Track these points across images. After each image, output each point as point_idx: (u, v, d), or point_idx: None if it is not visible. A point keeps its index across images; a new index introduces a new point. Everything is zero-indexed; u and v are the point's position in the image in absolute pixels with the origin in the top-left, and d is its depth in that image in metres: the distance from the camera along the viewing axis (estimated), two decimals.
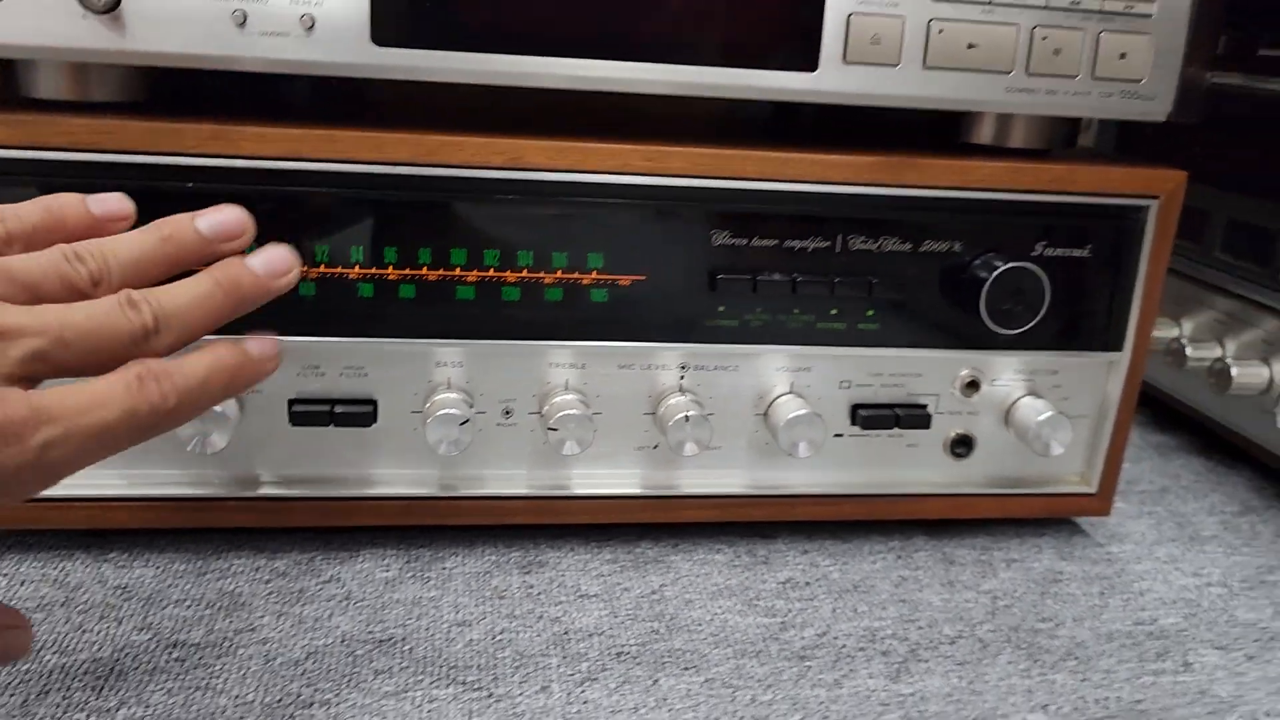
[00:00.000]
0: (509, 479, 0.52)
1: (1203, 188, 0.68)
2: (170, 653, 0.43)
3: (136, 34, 0.43)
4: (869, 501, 0.55)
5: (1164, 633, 0.50)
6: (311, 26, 0.44)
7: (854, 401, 0.54)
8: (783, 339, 0.51)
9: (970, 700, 0.44)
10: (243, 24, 0.43)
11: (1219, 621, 0.51)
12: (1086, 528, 0.60)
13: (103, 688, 0.41)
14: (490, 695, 0.42)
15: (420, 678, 0.43)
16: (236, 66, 0.44)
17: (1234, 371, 0.63)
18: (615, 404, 0.52)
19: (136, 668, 0.42)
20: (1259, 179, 0.66)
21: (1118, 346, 0.54)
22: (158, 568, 0.49)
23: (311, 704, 0.41)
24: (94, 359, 0.32)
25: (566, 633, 0.46)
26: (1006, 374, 0.55)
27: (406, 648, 0.45)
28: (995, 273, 0.50)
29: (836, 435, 0.54)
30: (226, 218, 0.37)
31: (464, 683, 0.43)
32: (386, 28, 0.44)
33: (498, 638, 0.46)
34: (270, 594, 0.48)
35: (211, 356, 0.35)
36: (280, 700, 0.41)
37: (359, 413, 0.49)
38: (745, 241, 0.50)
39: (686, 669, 0.45)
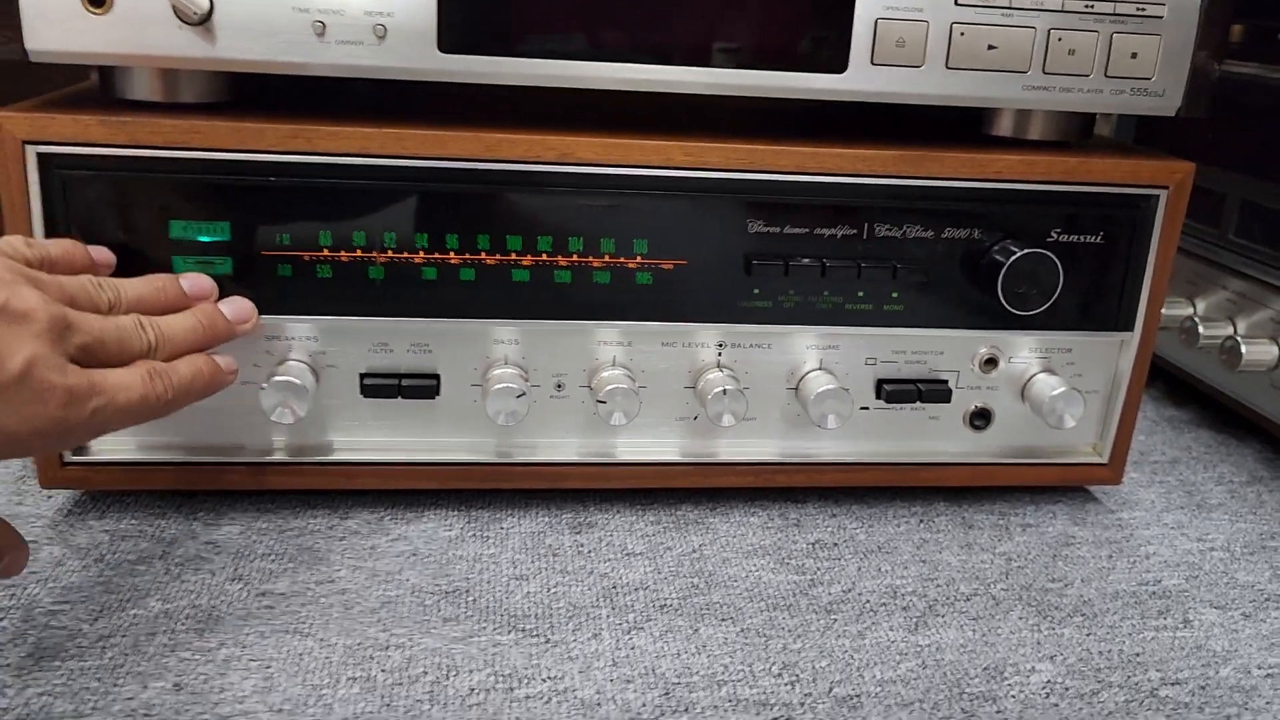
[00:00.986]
0: (561, 447, 0.57)
1: (1218, 172, 0.71)
2: (260, 600, 0.48)
3: (226, 43, 0.48)
4: (893, 469, 0.59)
5: (1166, 593, 0.54)
6: (383, 35, 0.48)
7: (879, 377, 0.58)
8: (813, 319, 0.55)
9: (983, 651, 0.48)
10: (322, 33, 0.48)
11: (1219, 583, 0.55)
12: (1099, 495, 0.64)
13: (203, 630, 0.46)
14: (547, 641, 0.47)
15: (484, 625, 0.48)
16: (314, 71, 0.49)
17: (1244, 349, 0.66)
18: (658, 378, 0.56)
19: (231, 613, 0.47)
20: (1273, 164, 0.69)
21: (1129, 326, 0.58)
22: (242, 525, 0.54)
23: (388, 647, 0.46)
24: (115, 360, 0.43)
25: (615, 587, 0.51)
26: (1023, 352, 0.58)
27: (470, 599, 0.49)
28: (1011, 258, 0.54)
29: (863, 408, 0.58)
30: (202, 283, 0.50)
31: (523, 630, 0.47)
32: (453, 36, 0.48)
33: (552, 590, 0.50)
34: (345, 550, 0.53)
35: (193, 367, 0.47)
36: (360, 644, 0.46)
37: (424, 386, 0.54)
38: (778, 229, 0.54)
39: (724, 620, 0.49)
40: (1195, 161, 0.56)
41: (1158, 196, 0.56)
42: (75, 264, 0.47)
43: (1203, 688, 0.47)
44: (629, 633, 0.48)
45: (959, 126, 0.58)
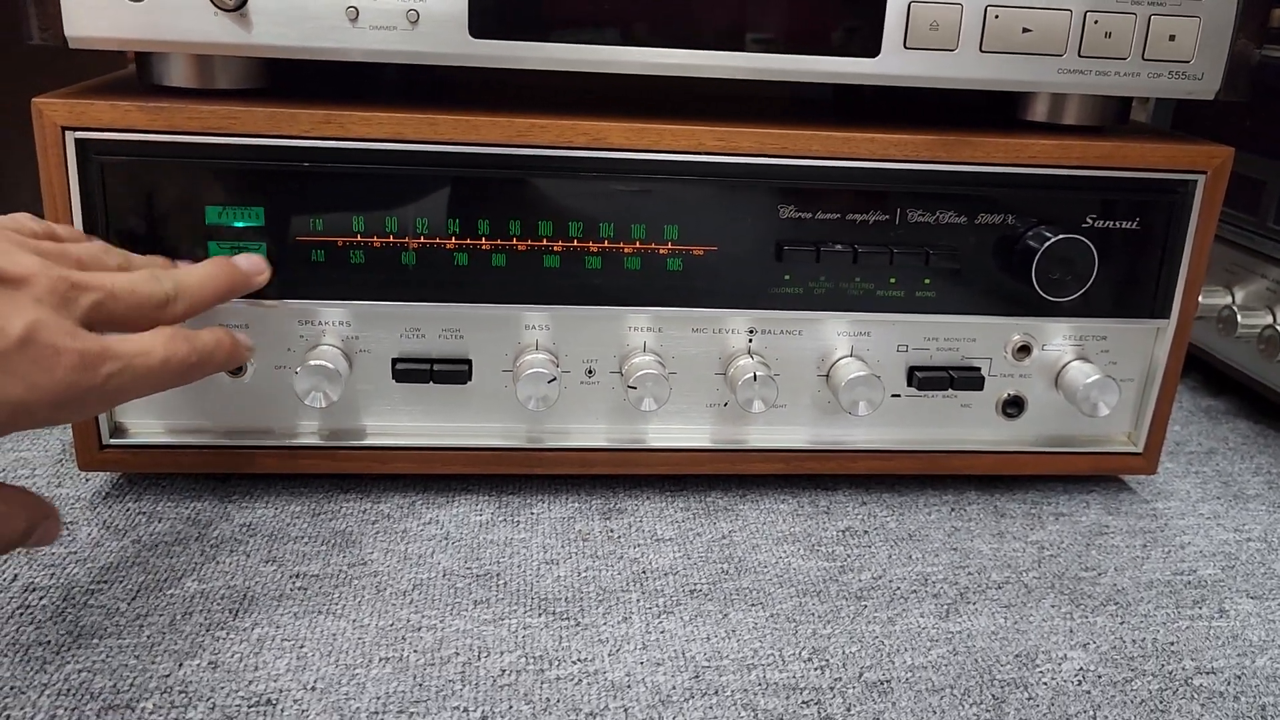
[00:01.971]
0: (591, 433, 0.57)
1: (1259, 159, 0.70)
2: (294, 582, 0.49)
3: (261, 29, 0.48)
4: (924, 457, 0.59)
5: (1202, 582, 0.53)
6: (416, 20, 0.48)
7: (911, 364, 0.57)
8: (844, 306, 0.55)
9: (1014, 638, 0.48)
10: (355, 19, 0.48)
11: (1256, 573, 0.54)
12: (1134, 485, 0.63)
13: (238, 610, 0.47)
14: (577, 624, 0.47)
15: (514, 608, 0.48)
16: (347, 57, 0.49)
17: None
18: (689, 364, 0.56)
19: (265, 594, 0.48)
20: None
21: (1165, 314, 0.57)
22: (276, 508, 0.55)
23: (420, 628, 0.46)
24: (134, 315, 0.42)
25: (644, 572, 0.51)
26: (1057, 339, 0.58)
27: (501, 582, 0.50)
28: (1046, 244, 0.53)
29: (894, 395, 0.58)
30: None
31: (553, 613, 0.48)
32: (483, 21, 0.48)
33: (582, 575, 0.51)
34: (377, 533, 0.53)
35: (214, 336, 0.46)
36: (393, 624, 0.46)
37: (455, 371, 0.54)
38: (809, 215, 0.53)
39: (753, 605, 0.49)
40: (1235, 147, 0.55)
41: (1195, 182, 0.55)
42: (59, 238, 0.45)
43: (1238, 677, 0.46)
44: (659, 616, 0.48)
45: (992, 111, 0.58)
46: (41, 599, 0.46)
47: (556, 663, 0.44)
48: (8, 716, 0.39)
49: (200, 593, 0.48)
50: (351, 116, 0.50)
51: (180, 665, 0.43)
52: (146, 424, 0.55)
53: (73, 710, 0.40)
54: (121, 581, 0.48)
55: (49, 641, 0.44)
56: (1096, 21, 0.51)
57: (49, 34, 0.47)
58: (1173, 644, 0.48)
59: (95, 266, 0.43)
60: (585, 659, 0.45)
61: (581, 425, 0.57)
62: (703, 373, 0.56)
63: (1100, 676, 0.46)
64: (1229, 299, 0.72)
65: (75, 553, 0.50)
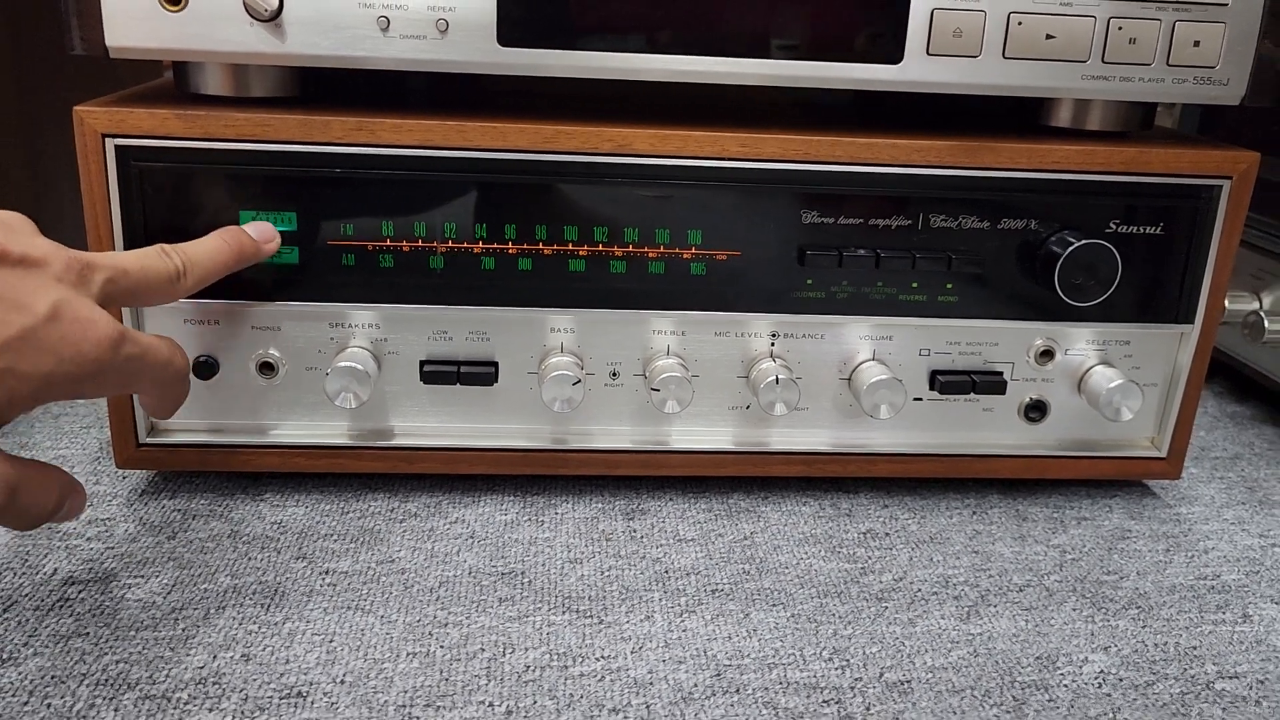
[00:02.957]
0: (615, 434, 0.58)
1: None
2: (324, 578, 0.50)
3: (295, 38, 0.49)
4: (946, 461, 0.59)
5: (1225, 587, 0.53)
6: (445, 30, 0.49)
7: (933, 368, 0.58)
8: (866, 310, 0.56)
9: (1035, 640, 0.48)
10: (386, 28, 0.49)
11: None
12: (1158, 490, 0.63)
13: (270, 605, 0.48)
14: (601, 621, 0.48)
15: (539, 605, 0.49)
16: (379, 65, 0.50)
17: None
18: (712, 367, 0.57)
19: (296, 590, 0.49)
20: None
21: (1189, 319, 0.57)
22: (307, 507, 0.56)
23: (446, 624, 0.47)
24: (145, 289, 0.45)
25: (667, 571, 0.52)
26: (1080, 343, 0.58)
27: (526, 580, 0.51)
28: (1069, 249, 0.53)
29: (916, 399, 0.58)
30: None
31: (577, 610, 0.48)
32: (511, 30, 0.49)
33: (606, 574, 0.51)
34: (405, 532, 0.54)
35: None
36: (419, 620, 0.47)
37: (482, 373, 0.55)
38: (832, 220, 0.54)
39: (774, 605, 0.50)
40: (1263, 153, 0.55)
41: (1220, 187, 0.55)
42: None
43: (1261, 681, 0.46)
44: (681, 615, 0.48)
45: (1016, 116, 0.58)
46: (81, 592, 0.48)
47: (580, 659, 0.45)
48: (49, 705, 0.41)
49: (233, 588, 0.49)
50: (381, 124, 0.51)
51: (214, 657, 0.44)
52: (182, 423, 0.56)
53: (110, 699, 0.41)
54: (158, 576, 0.49)
55: (88, 633, 0.45)
56: (1120, 28, 0.51)
57: (90, 44, 0.49)
58: (1195, 648, 0.48)
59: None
60: (608, 656, 0.45)
61: (605, 427, 0.58)
62: (725, 376, 0.57)
63: (1121, 679, 0.46)
64: (1256, 304, 0.72)
65: (113, 548, 0.51)
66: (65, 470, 0.43)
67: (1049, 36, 0.51)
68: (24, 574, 0.49)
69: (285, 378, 0.55)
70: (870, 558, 0.54)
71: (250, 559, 0.51)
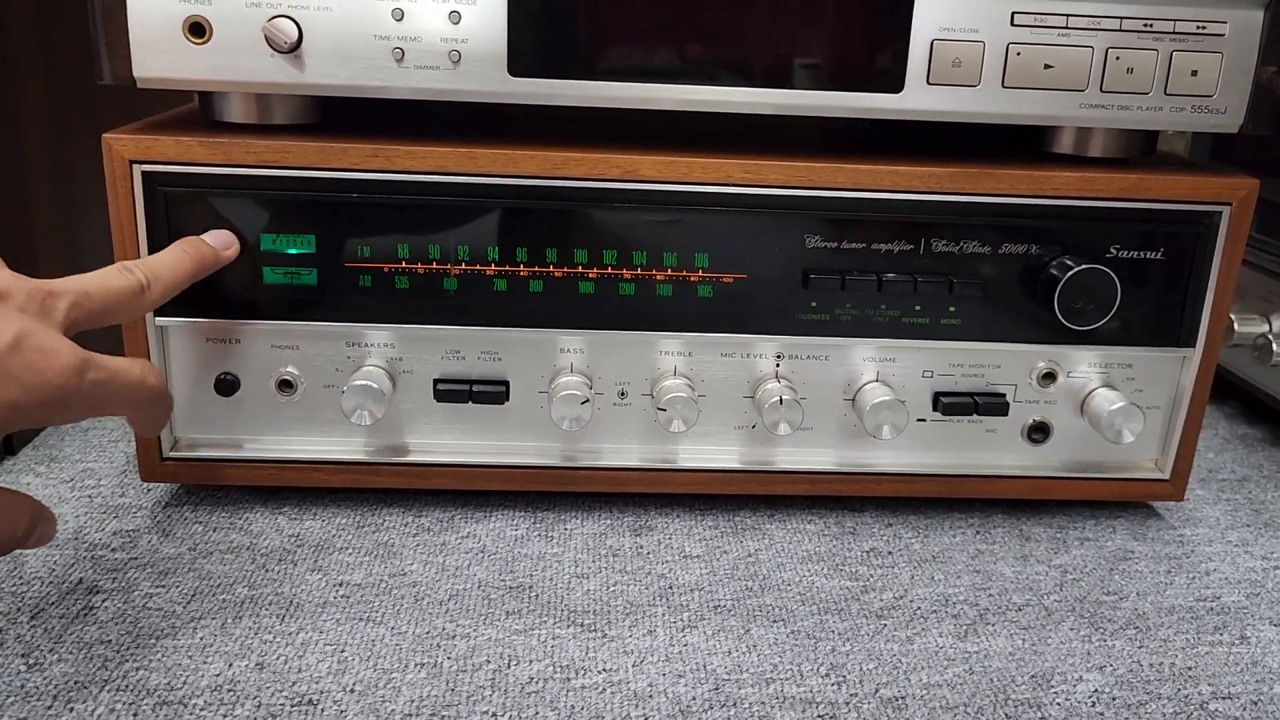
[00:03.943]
0: (623, 452, 0.59)
1: None
2: (337, 590, 0.51)
3: (313, 69, 0.51)
4: (950, 481, 0.60)
5: (1225, 609, 0.54)
6: (458, 60, 0.51)
7: (936, 390, 0.59)
8: (870, 332, 0.57)
9: (1031, 659, 0.49)
10: (401, 59, 0.51)
11: None
12: (1162, 512, 0.64)
13: (285, 616, 0.49)
14: (604, 635, 0.49)
15: (545, 619, 0.50)
16: (394, 95, 0.52)
17: None
18: (718, 388, 0.58)
19: (310, 601, 0.50)
20: None
21: (1190, 343, 0.58)
22: (323, 521, 0.58)
23: (454, 636, 0.48)
24: (111, 308, 0.45)
25: (671, 587, 0.53)
26: (1082, 366, 0.59)
27: (533, 594, 0.52)
28: (1069, 274, 0.54)
29: (919, 420, 0.59)
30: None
31: (582, 624, 0.50)
32: (521, 61, 0.51)
33: (611, 589, 0.53)
34: (418, 545, 0.56)
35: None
36: (429, 632, 0.49)
37: (494, 392, 0.57)
38: (836, 244, 0.55)
39: (775, 621, 0.51)
40: (1273, 177, 0.55)
41: (1220, 213, 0.56)
42: None
43: (1255, 703, 0.47)
44: (683, 630, 0.50)
45: (1020, 142, 0.59)
46: (104, 601, 0.50)
47: (583, 672, 0.46)
48: (72, 709, 0.42)
49: (250, 598, 0.50)
50: (397, 150, 0.53)
51: (230, 665, 0.45)
52: (204, 438, 0.58)
53: (130, 705, 0.43)
54: (178, 586, 0.51)
55: (110, 640, 0.47)
56: (1118, 57, 0.52)
57: (119, 75, 0.51)
58: (1190, 669, 0.49)
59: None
60: (610, 669, 0.47)
61: (614, 445, 0.59)
62: (732, 396, 0.58)
63: (1115, 699, 0.46)
64: (1265, 327, 0.72)
65: (136, 558, 0.53)
66: (34, 497, 0.43)
67: (1047, 66, 0.52)
68: (51, 584, 0.51)
69: (304, 395, 0.57)
70: (872, 576, 0.55)
71: (267, 570, 0.53)
